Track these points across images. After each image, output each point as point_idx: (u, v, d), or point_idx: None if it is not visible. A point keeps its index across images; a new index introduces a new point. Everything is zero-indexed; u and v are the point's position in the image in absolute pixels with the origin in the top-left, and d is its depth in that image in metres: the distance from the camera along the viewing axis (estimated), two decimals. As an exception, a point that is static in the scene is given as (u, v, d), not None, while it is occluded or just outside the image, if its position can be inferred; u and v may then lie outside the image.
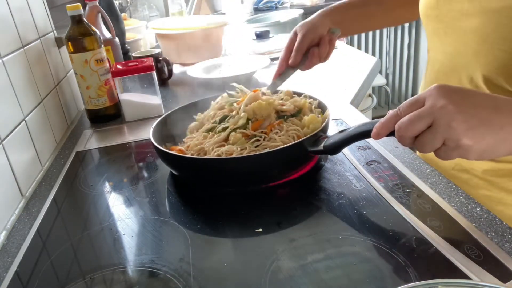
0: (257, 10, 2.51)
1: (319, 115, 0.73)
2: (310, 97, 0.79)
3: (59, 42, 1.04)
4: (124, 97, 1.00)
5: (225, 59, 1.38)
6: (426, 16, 0.71)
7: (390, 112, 0.51)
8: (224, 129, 0.69)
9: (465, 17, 0.62)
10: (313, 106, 0.76)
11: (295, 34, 0.83)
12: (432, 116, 0.46)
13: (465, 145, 0.44)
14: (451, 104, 0.45)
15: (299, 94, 0.82)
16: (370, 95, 1.58)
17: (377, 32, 2.97)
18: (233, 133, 0.67)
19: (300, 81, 1.19)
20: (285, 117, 0.70)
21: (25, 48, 0.84)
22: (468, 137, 0.44)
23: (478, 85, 0.63)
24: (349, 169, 0.68)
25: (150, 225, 0.60)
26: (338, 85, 1.12)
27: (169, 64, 1.26)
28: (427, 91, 0.48)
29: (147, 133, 0.73)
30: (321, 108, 0.76)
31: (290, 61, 0.82)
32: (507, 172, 0.65)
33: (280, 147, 0.63)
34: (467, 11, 0.61)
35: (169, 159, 0.68)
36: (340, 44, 1.54)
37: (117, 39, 1.21)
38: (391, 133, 0.51)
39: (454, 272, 0.45)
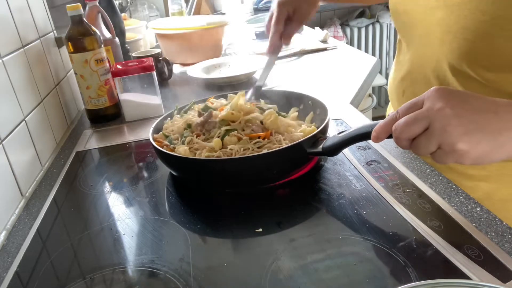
0: (257, 10, 2.51)
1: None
2: (310, 98, 0.79)
3: (59, 42, 1.04)
4: (124, 97, 1.00)
5: (225, 59, 1.38)
6: (395, 10, 0.74)
7: (389, 114, 0.51)
8: (207, 138, 0.69)
9: (430, 11, 0.65)
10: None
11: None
12: (428, 119, 0.45)
13: (461, 150, 0.44)
14: (448, 107, 0.45)
15: (300, 95, 0.82)
16: (370, 95, 1.58)
17: (377, 32, 2.97)
18: (227, 137, 0.66)
19: (300, 81, 1.19)
20: None
21: (25, 48, 0.84)
22: (464, 142, 0.44)
23: (444, 72, 0.65)
24: (349, 169, 0.68)
25: (150, 225, 0.60)
26: (338, 85, 1.12)
27: (169, 64, 1.26)
28: (426, 93, 0.48)
29: (147, 133, 0.73)
30: (321, 108, 0.76)
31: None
32: None
33: (279, 148, 0.63)
34: (432, 5, 0.64)
35: (169, 160, 0.68)
36: (340, 44, 1.54)
37: (117, 39, 1.21)
38: (391, 136, 0.51)
39: (454, 272, 0.45)
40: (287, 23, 0.89)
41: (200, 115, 0.74)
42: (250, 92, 0.85)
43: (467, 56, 0.61)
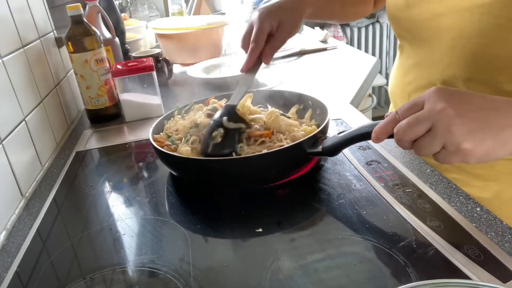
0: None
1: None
2: (310, 98, 0.79)
3: (59, 42, 1.04)
4: (124, 97, 1.00)
5: (225, 59, 1.38)
6: (396, 17, 0.72)
7: (389, 115, 0.51)
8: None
9: (437, 17, 0.63)
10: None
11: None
12: (430, 120, 0.45)
13: (465, 149, 0.44)
14: (450, 107, 0.45)
15: (300, 95, 0.82)
16: (370, 95, 1.58)
17: (377, 32, 2.97)
18: None
19: (300, 81, 1.19)
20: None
21: (25, 48, 0.84)
22: (468, 141, 0.44)
23: (453, 76, 0.64)
24: (349, 169, 0.68)
25: (150, 225, 0.60)
26: (338, 85, 1.12)
27: (169, 64, 1.26)
28: (426, 94, 0.47)
29: (147, 133, 0.73)
30: (321, 108, 0.76)
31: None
32: None
33: (279, 148, 0.63)
34: (439, 11, 0.62)
35: (168, 160, 0.68)
36: (340, 44, 1.54)
37: (117, 39, 1.21)
38: (391, 136, 0.51)
39: (454, 272, 0.45)
40: (268, 40, 0.74)
41: (209, 116, 0.73)
42: (219, 112, 0.69)
43: (479, 60, 0.60)
